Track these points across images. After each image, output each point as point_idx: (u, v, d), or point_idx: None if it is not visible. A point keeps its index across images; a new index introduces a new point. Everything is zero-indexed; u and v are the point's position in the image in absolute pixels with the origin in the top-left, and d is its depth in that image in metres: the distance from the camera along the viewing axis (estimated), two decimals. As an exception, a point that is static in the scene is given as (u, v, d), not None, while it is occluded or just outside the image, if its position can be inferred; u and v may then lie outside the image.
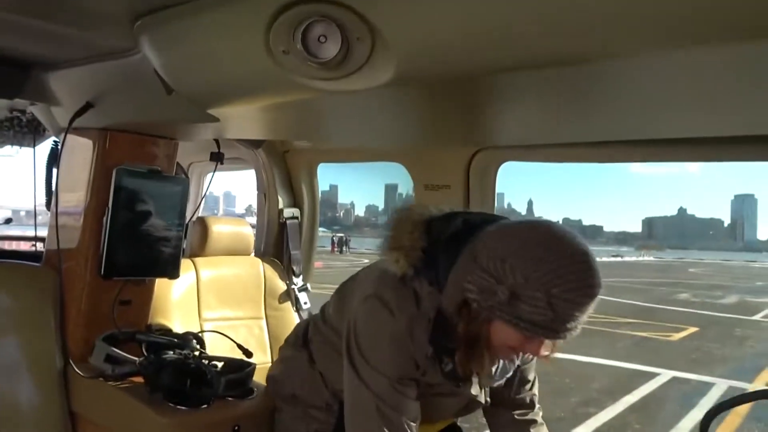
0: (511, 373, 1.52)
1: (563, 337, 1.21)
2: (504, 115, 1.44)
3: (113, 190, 1.80)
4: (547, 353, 1.29)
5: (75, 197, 1.88)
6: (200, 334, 1.92)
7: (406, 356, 1.33)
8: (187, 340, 1.86)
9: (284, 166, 2.71)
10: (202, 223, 2.40)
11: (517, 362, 1.50)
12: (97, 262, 1.84)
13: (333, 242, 43.20)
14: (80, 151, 1.86)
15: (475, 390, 1.46)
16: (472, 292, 1.22)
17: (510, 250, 1.18)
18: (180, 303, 2.25)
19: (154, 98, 1.43)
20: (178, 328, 2.10)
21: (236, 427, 1.59)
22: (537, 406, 1.63)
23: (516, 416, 1.59)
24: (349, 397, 1.39)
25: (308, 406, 1.55)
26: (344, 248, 41.09)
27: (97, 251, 1.84)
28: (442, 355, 1.34)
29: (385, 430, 1.32)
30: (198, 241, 2.38)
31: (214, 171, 2.21)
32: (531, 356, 1.49)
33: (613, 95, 1.12)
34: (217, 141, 2.14)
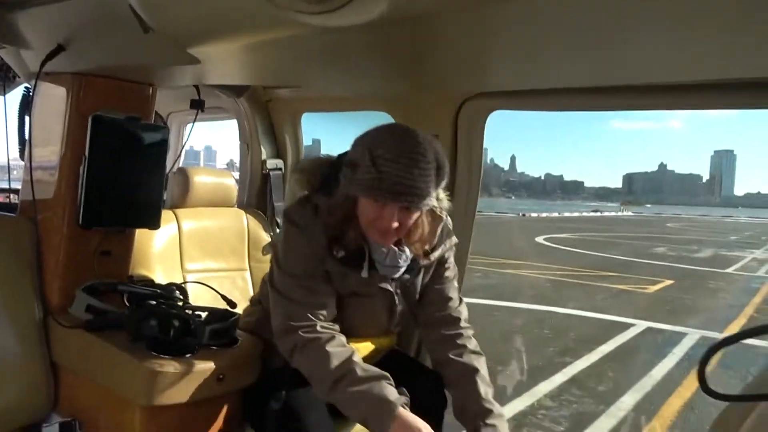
0: (404, 267, 1.64)
1: (400, 201, 1.44)
2: (495, 59, 1.40)
3: (89, 138, 1.76)
4: (397, 225, 1.49)
5: (50, 146, 1.82)
6: (183, 285, 1.89)
7: (309, 256, 1.57)
8: (169, 290, 1.85)
9: (267, 116, 2.65)
10: (184, 173, 2.34)
11: (409, 254, 1.64)
12: (74, 212, 1.80)
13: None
14: (53, 97, 1.80)
15: (384, 285, 1.63)
16: (342, 181, 1.52)
17: (360, 139, 1.50)
18: (162, 254, 2.22)
19: (130, 38, 1.36)
20: (161, 279, 2.08)
21: (221, 376, 1.59)
22: (466, 326, 1.74)
23: (443, 332, 1.71)
24: (270, 306, 1.61)
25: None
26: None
27: (74, 201, 1.80)
28: (333, 245, 1.56)
29: (291, 323, 1.52)
30: (180, 192, 2.34)
31: (195, 119, 2.15)
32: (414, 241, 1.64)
33: (604, 38, 1.09)
34: (197, 88, 2.07)
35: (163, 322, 1.61)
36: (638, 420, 4.41)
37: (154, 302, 1.72)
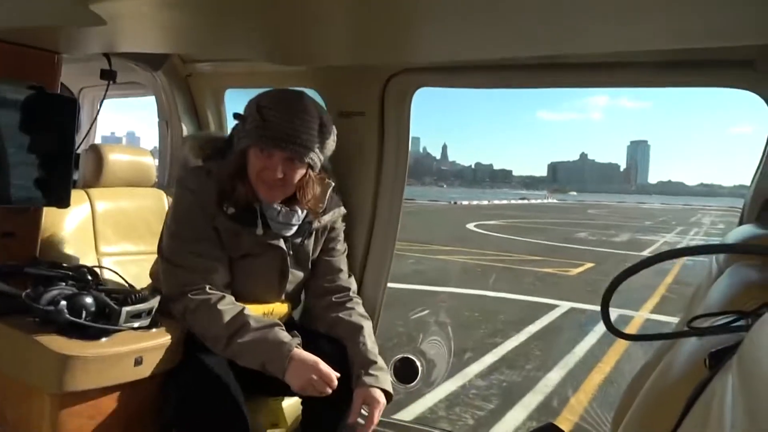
0: (296, 225, 1.72)
1: (283, 149, 1.57)
2: (419, 31, 1.39)
3: None
4: (282, 176, 1.60)
5: None
6: (95, 269, 1.77)
7: (200, 218, 1.64)
8: (81, 273, 1.74)
9: (187, 91, 2.53)
10: (97, 150, 2.20)
11: (301, 215, 1.73)
12: None
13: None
14: None
15: (276, 242, 1.71)
16: (234, 140, 1.67)
17: (252, 98, 1.65)
18: (73, 236, 2.08)
19: (28, -5, 1.25)
20: (73, 263, 1.95)
21: (138, 359, 1.51)
22: (354, 295, 1.85)
23: (333, 299, 1.82)
24: (161, 275, 1.69)
25: None
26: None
27: None
28: (223, 202, 1.64)
29: (181, 288, 1.61)
30: (92, 170, 2.20)
31: (106, 92, 2.01)
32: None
33: (531, 11, 1.09)
34: (108, 57, 1.94)
35: (74, 304, 1.51)
36: (564, 394, 4.60)
37: (63, 284, 1.60)
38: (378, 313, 2.09)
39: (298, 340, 1.60)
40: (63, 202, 1.80)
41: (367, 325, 1.77)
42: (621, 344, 5.75)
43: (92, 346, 1.46)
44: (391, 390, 1.67)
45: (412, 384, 2.20)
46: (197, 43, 1.86)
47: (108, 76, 1.95)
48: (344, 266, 1.88)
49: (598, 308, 0.91)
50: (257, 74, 2.27)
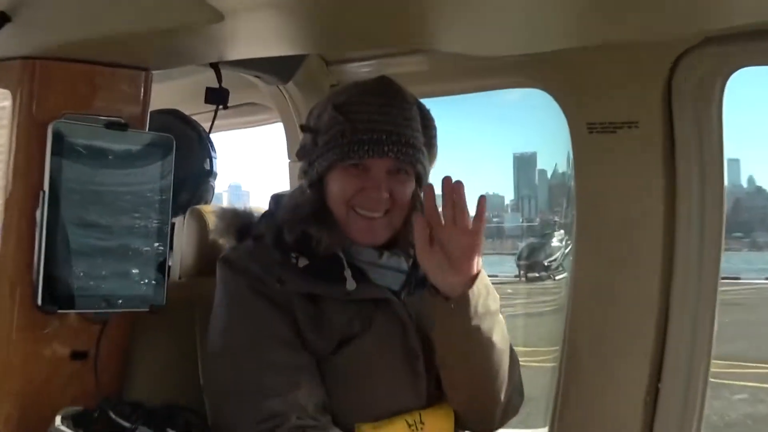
0: (405, 272, 1.25)
1: (384, 152, 1.17)
2: None
3: (49, 162, 1.21)
4: (387, 195, 1.18)
5: None
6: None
7: (257, 306, 1.19)
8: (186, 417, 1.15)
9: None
10: (199, 218, 1.47)
11: (404, 258, 1.26)
12: (28, 287, 1.21)
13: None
14: None
15: (381, 298, 1.22)
16: (301, 172, 1.28)
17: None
18: (173, 354, 1.43)
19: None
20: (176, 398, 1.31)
21: None
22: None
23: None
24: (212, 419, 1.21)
25: None
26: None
27: (27, 268, 1.20)
28: (290, 255, 1.22)
29: (259, 429, 1.11)
30: (195, 245, 1.47)
31: (213, 121, 1.42)
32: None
33: None
34: (216, 68, 1.39)
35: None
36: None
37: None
38: None
39: None
40: (156, 301, 1.28)
41: None
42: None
43: None
44: None
45: None
46: (354, 35, 1.34)
47: (216, 98, 1.37)
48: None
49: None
50: (451, 75, 1.63)
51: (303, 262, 1.20)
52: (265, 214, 1.31)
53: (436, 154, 1.30)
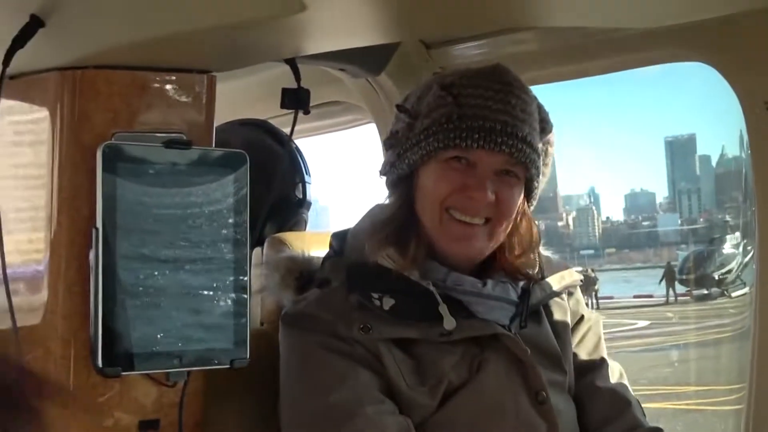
0: (515, 301, 1.09)
1: (497, 144, 1.01)
2: None
3: (101, 191, 1.04)
4: (493, 198, 1.02)
5: (25, 210, 1.15)
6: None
7: (338, 363, 1.03)
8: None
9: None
10: (278, 246, 1.29)
11: (511, 284, 1.11)
12: (85, 346, 1.05)
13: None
14: (29, 114, 1.17)
15: (492, 335, 1.05)
16: (388, 166, 1.12)
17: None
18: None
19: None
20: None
21: None
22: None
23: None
24: None
25: None
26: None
27: (82, 322, 1.05)
28: (371, 296, 1.05)
29: None
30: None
31: (291, 131, 1.20)
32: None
33: None
34: (293, 65, 1.17)
35: None
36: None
37: None
38: None
39: None
40: (240, 357, 1.06)
41: None
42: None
43: None
44: None
45: None
46: (456, 18, 1.17)
47: (295, 101, 1.15)
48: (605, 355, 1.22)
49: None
50: (581, 51, 1.37)
51: (389, 303, 1.04)
52: (329, 255, 1.16)
53: (549, 171, 1.15)
